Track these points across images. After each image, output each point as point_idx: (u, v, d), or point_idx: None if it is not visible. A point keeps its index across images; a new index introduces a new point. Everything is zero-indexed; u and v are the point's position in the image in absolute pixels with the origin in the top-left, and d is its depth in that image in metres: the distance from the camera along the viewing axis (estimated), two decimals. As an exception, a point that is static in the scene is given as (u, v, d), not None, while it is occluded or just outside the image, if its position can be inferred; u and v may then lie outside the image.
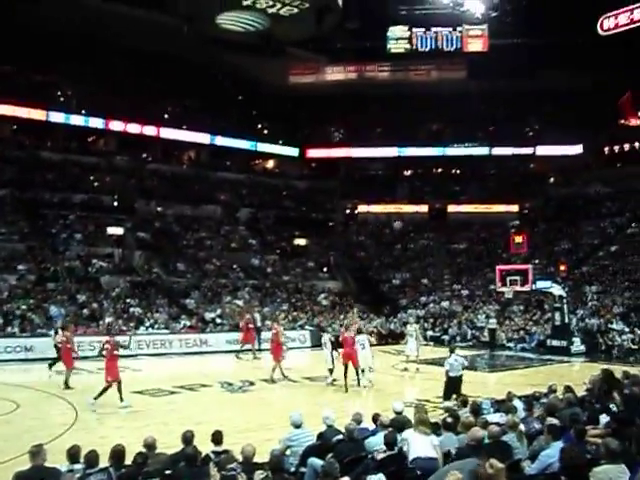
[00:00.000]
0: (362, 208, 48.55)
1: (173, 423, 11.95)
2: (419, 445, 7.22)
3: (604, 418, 8.32)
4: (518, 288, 27.03)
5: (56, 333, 18.79)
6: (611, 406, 9.22)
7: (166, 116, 45.08)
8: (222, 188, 45.13)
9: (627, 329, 26.96)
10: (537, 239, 39.94)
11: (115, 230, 35.68)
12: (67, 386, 16.51)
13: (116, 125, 41.13)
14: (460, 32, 43.93)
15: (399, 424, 8.29)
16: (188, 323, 28.47)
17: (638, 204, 40.06)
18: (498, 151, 47.40)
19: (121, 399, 14.27)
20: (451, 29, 44.01)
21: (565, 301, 26.84)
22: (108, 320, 26.36)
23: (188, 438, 7.42)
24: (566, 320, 26.61)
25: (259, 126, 49.80)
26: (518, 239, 32.78)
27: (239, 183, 46.42)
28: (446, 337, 30.79)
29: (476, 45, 43.95)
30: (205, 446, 7.51)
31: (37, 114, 38.23)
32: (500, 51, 40.68)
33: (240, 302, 32.21)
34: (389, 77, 48.37)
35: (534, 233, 39.80)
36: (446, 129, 49.61)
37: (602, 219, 41.68)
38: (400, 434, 7.73)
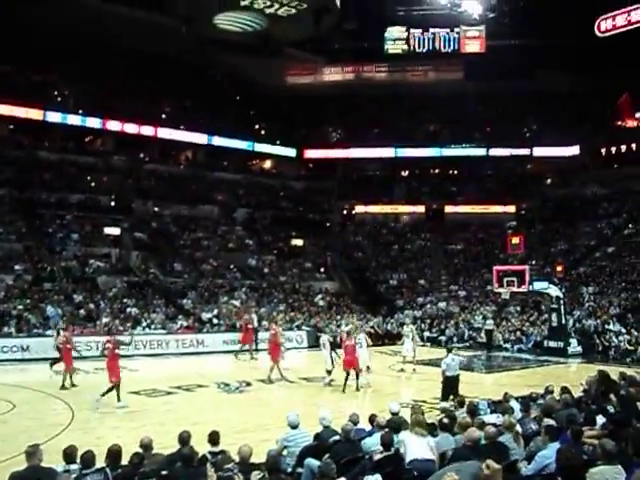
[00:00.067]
0: (359, 209, 48.57)
1: (169, 423, 11.96)
2: (416, 447, 7.22)
3: (600, 419, 8.33)
4: (515, 289, 27.01)
5: (58, 334, 18.73)
6: (609, 408, 9.22)
7: (163, 116, 45.02)
8: (219, 188, 45.10)
9: (624, 330, 26.96)
10: (534, 240, 40.03)
11: (112, 230, 35.62)
12: (64, 386, 16.51)
13: (113, 125, 41.03)
14: (457, 33, 44.05)
15: (395, 425, 8.28)
16: (185, 323, 28.41)
17: (635, 205, 40.14)
18: (495, 152, 47.39)
19: (118, 399, 14.28)
20: (448, 30, 44.13)
21: (562, 302, 26.86)
22: (105, 320, 26.33)
23: (185, 438, 7.40)
24: (563, 321, 26.63)
25: (256, 126, 49.75)
26: (515, 240, 32.81)
27: (236, 183, 46.39)
28: (443, 338, 30.78)
29: (473, 46, 44.08)
30: (202, 446, 7.49)
31: (34, 114, 38.11)
32: (497, 52, 40.78)
33: (237, 302, 32.21)
34: (386, 78, 48.48)
35: (531, 234, 39.92)
36: (443, 130, 49.62)
37: (599, 220, 41.74)
38: (397, 435, 7.73)
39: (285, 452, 8.10)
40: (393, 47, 44.98)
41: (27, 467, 6.47)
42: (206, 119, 45.17)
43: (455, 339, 30.19)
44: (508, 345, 28.64)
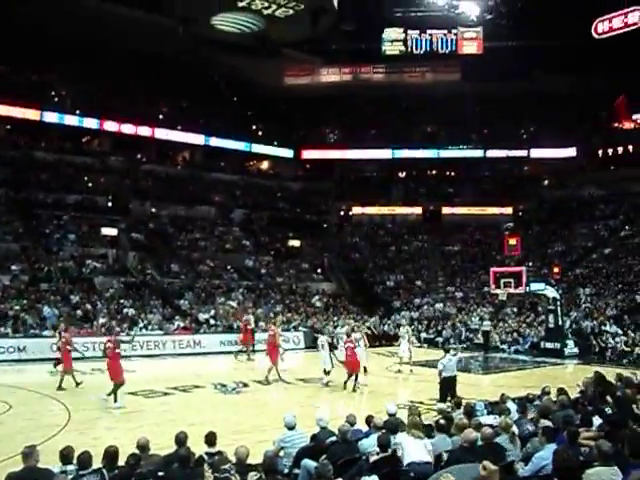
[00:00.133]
0: (356, 210, 48.53)
1: (166, 424, 11.95)
2: (413, 449, 7.22)
3: (597, 420, 8.35)
4: (512, 290, 27.05)
5: (60, 335, 18.68)
6: (606, 409, 9.23)
7: (161, 117, 44.97)
8: (216, 189, 45.10)
9: (620, 331, 27.05)
10: (531, 241, 40.09)
11: (109, 231, 35.60)
12: (60, 387, 16.46)
13: (110, 125, 40.97)
14: (455, 34, 44.07)
15: (392, 426, 8.27)
16: (182, 324, 28.38)
17: (631, 207, 40.25)
18: (492, 153, 47.42)
19: (115, 400, 14.26)
20: (446, 31, 44.15)
21: (559, 303, 26.89)
22: (102, 321, 26.30)
23: (181, 439, 7.41)
24: (559, 322, 26.68)
25: (254, 127, 49.72)
26: (512, 241, 32.91)
27: (233, 184, 46.39)
28: (440, 339, 30.80)
29: (471, 47, 44.11)
30: (198, 447, 7.49)
31: (31, 114, 38.04)
32: (495, 54, 40.83)
33: (234, 303, 32.20)
34: (384, 79, 48.51)
35: (528, 235, 39.98)
36: (441, 131, 49.67)
37: (596, 222, 41.85)
38: (393, 436, 7.74)
39: (282, 453, 8.10)
40: (390, 48, 44.99)
41: (24, 468, 6.47)
42: (203, 120, 45.20)
43: (452, 340, 30.19)
44: (505, 346, 28.69)
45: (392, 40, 44.81)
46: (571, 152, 45.87)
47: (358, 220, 48.30)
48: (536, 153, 46.88)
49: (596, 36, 38.44)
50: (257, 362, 22.97)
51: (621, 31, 37.79)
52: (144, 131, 42.35)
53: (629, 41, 36.69)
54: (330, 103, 47.00)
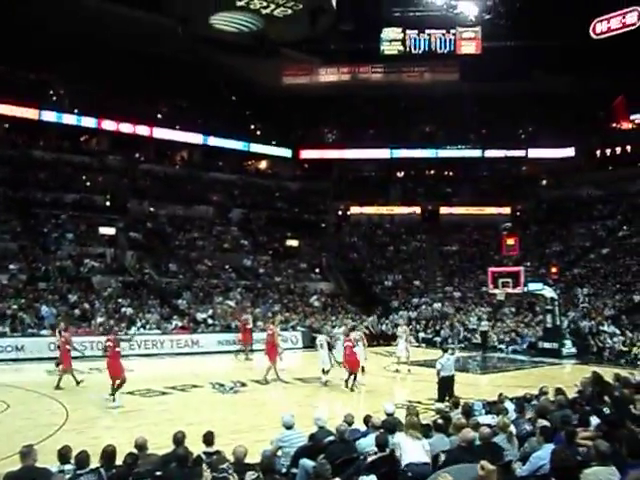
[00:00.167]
0: (355, 209, 48.54)
1: (164, 424, 11.94)
2: (411, 450, 7.21)
3: (595, 420, 8.36)
4: (510, 290, 27.08)
5: (60, 334, 18.66)
6: (604, 409, 9.24)
7: (159, 116, 45.01)
8: (214, 188, 45.10)
9: (618, 331, 27.09)
10: (529, 241, 40.10)
11: (107, 230, 35.54)
12: (58, 386, 16.44)
13: (109, 125, 40.99)
14: (453, 34, 44.05)
15: (390, 426, 8.29)
16: (180, 324, 28.37)
17: (629, 207, 40.32)
18: (490, 153, 47.48)
19: (113, 399, 14.25)
20: (444, 31, 44.13)
21: (556, 303, 26.93)
22: (100, 320, 26.28)
23: (179, 439, 7.40)
24: (557, 322, 26.71)
25: (252, 127, 49.76)
26: (510, 241, 32.87)
27: (231, 184, 46.40)
28: (438, 339, 30.82)
29: (469, 47, 44.09)
30: (196, 447, 7.49)
31: (30, 113, 38.04)
32: (493, 54, 40.81)
33: (232, 303, 32.18)
34: (382, 79, 48.45)
35: (526, 235, 39.98)
36: (439, 131, 49.69)
37: (593, 222, 41.90)
38: (391, 436, 7.74)
39: (280, 452, 8.10)
40: (389, 48, 44.99)
41: (21, 467, 6.47)
42: (202, 119, 45.22)
43: (450, 340, 30.21)
44: (503, 346, 28.70)
45: (390, 40, 44.80)
46: (569, 152, 45.96)
47: (356, 220, 48.30)
48: (534, 153, 46.95)
49: (594, 36, 38.51)
50: (255, 362, 22.97)
51: (619, 31, 37.85)
52: (142, 130, 42.38)
53: (627, 41, 36.73)
54: (328, 103, 46.98)
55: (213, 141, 45.46)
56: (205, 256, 37.41)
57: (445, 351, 15.82)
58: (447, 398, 13.64)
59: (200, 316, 29.79)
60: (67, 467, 6.68)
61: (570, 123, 44.44)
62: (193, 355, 25.55)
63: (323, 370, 18.17)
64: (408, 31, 44.34)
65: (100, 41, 37.28)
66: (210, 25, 38.53)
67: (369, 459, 7.27)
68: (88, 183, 39.50)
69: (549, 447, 6.62)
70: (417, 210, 48.06)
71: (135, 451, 7.27)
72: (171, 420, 12.43)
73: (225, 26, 39.17)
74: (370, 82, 48.50)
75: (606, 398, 10.08)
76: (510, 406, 10.04)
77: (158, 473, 6.68)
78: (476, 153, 47.91)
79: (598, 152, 45.80)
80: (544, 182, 49.19)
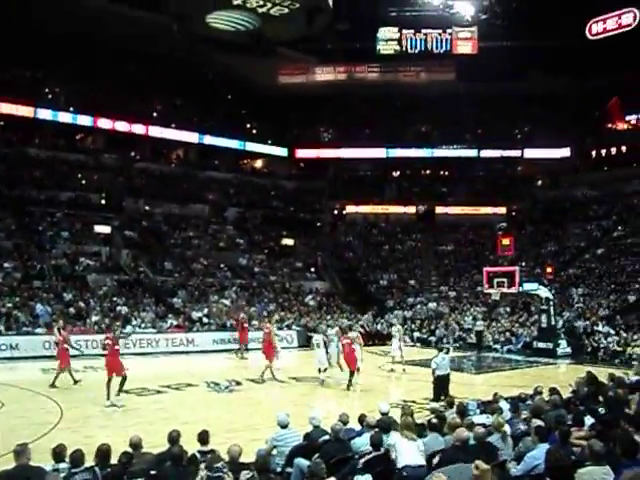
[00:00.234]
0: (350, 209, 48.56)
1: (159, 422, 11.93)
2: (407, 452, 7.17)
3: (589, 420, 8.38)
4: (505, 290, 27.04)
5: (59, 332, 18.62)
6: (599, 409, 9.26)
7: (155, 114, 44.93)
8: (210, 187, 45.07)
9: (612, 331, 27.14)
10: (524, 241, 40.20)
11: (102, 228, 35.44)
12: (53, 384, 16.41)
13: (104, 123, 40.87)
14: (450, 34, 44.15)
15: (385, 425, 8.29)
16: (175, 322, 28.35)
17: (624, 207, 40.41)
18: (486, 153, 47.55)
19: (108, 397, 14.22)
20: (441, 31, 44.22)
21: (551, 303, 26.95)
22: (95, 319, 26.26)
23: (174, 438, 7.39)
24: (552, 322, 26.72)
25: (248, 125, 49.76)
26: (505, 241, 32.99)
27: (227, 182, 46.37)
28: (433, 338, 30.84)
29: (465, 47, 44.19)
30: (191, 446, 7.48)
31: (25, 111, 37.92)
32: (489, 54, 40.90)
33: (227, 302, 32.18)
34: (378, 78, 48.52)
35: (521, 235, 40.10)
36: (434, 131, 49.71)
37: (589, 222, 41.96)
38: (386, 435, 7.74)
39: (275, 452, 8.11)
40: (385, 48, 45.05)
41: (16, 466, 6.46)
42: (198, 118, 45.21)
43: (445, 340, 30.24)
44: (498, 346, 28.73)
45: (387, 39, 44.87)
46: (565, 152, 46.05)
47: (352, 219, 48.30)
48: (530, 153, 47.02)
49: (590, 37, 38.62)
50: (250, 360, 22.98)
51: (615, 32, 37.96)
52: (138, 129, 42.30)
53: (623, 42, 36.83)
54: (324, 102, 46.97)
55: (209, 140, 45.41)
56: (200, 255, 37.38)
57: (440, 350, 15.86)
58: (442, 397, 13.66)
59: (195, 315, 29.77)
60: (62, 466, 6.65)
61: (566, 123, 44.58)
62: (188, 354, 25.54)
63: (319, 369, 18.17)
64: (404, 31, 44.42)
65: (96, 39, 37.26)
66: (206, 23, 38.53)
67: (363, 459, 7.26)
68: (83, 181, 39.48)
69: (544, 447, 6.64)
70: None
71: (130, 450, 7.26)
72: (166, 419, 12.41)
73: (221, 25, 39.16)
74: (366, 81, 48.54)
75: (600, 398, 10.11)
76: (505, 406, 10.05)
77: (153, 472, 6.68)
78: (472, 153, 47.98)
79: (593, 153, 45.89)
80: (540, 182, 49.28)
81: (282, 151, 48.86)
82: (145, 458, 7.26)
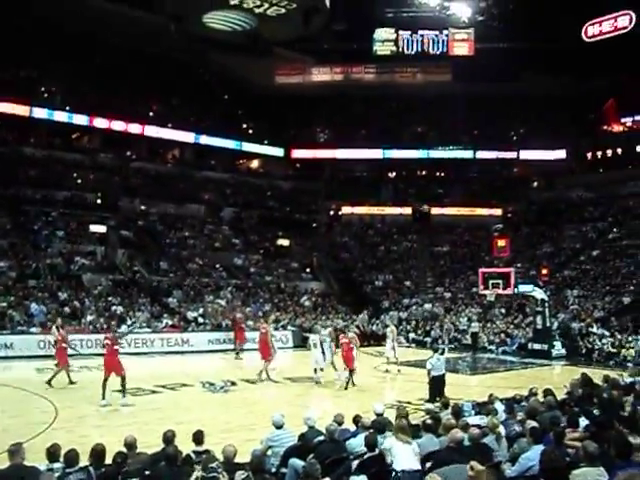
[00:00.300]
0: (346, 209, 48.52)
1: (154, 422, 11.91)
2: (403, 456, 7.13)
3: (583, 421, 8.39)
4: (500, 291, 27.07)
5: (58, 331, 18.59)
6: (593, 411, 9.28)
7: (151, 114, 44.84)
8: (206, 187, 45.03)
9: (607, 333, 27.18)
10: (520, 243, 40.23)
11: (98, 228, 35.39)
12: (49, 383, 16.37)
13: (100, 122, 40.73)
14: (446, 35, 44.22)
15: (380, 426, 8.30)
16: (170, 322, 28.32)
17: (620, 209, 40.52)
18: (482, 154, 47.61)
19: (103, 397, 14.20)
20: (437, 32, 44.31)
21: (546, 305, 26.97)
22: (90, 318, 26.22)
23: (169, 438, 7.38)
24: (547, 324, 26.75)
25: (244, 126, 49.72)
26: (501, 242, 33.00)
27: (223, 182, 46.33)
28: (428, 339, 30.85)
29: (462, 49, 44.27)
30: (186, 446, 7.48)
31: (20, 110, 37.77)
32: (486, 55, 41.01)
33: (222, 302, 32.15)
34: (375, 79, 48.58)
35: (517, 237, 40.10)
36: (430, 132, 49.75)
37: (584, 224, 42.03)
38: (381, 436, 7.75)
39: (269, 452, 8.11)
40: (382, 48, 45.10)
41: (10, 466, 6.44)
42: (194, 117, 45.17)
43: (440, 341, 30.23)
44: (493, 347, 28.74)
45: (383, 40, 44.92)
46: (560, 154, 46.11)
47: (347, 220, 48.27)
48: (525, 155, 47.09)
49: (586, 39, 38.69)
50: (245, 361, 22.97)
51: (611, 35, 38.05)
52: (134, 128, 42.19)
53: (619, 44, 36.91)
54: (321, 102, 47.04)
55: (205, 140, 45.34)
56: (196, 255, 37.36)
57: (435, 351, 15.88)
58: (437, 398, 13.67)
59: (191, 315, 29.75)
60: (56, 465, 6.63)
61: (561, 125, 44.69)
62: (183, 354, 25.50)
63: (315, 369, 18.17)
64: (401, 32, 44.48)
65: (92, 39, 37.27)
66: (203, 23, 38.52)
67: (357, 461, 7.26)
68: (79, 181, 39.40)
69: (538, 448, 6.65)
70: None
71: (124, 450, 7.25)
72: (161, 419, 12.39)
73: (218, 25, 39.15)
74: (363, 82, 48.60)
75: (595, 399, 10.13)
76: (500, 407, 10.06)
77: (147, 472, 6.67)
78: (468, 154, 48.03)
79: (589, 154, 46.01)
80: (535, 184, 49.34)
81: (278, 151, 48.82)
82: (139, 458, 7.24)
